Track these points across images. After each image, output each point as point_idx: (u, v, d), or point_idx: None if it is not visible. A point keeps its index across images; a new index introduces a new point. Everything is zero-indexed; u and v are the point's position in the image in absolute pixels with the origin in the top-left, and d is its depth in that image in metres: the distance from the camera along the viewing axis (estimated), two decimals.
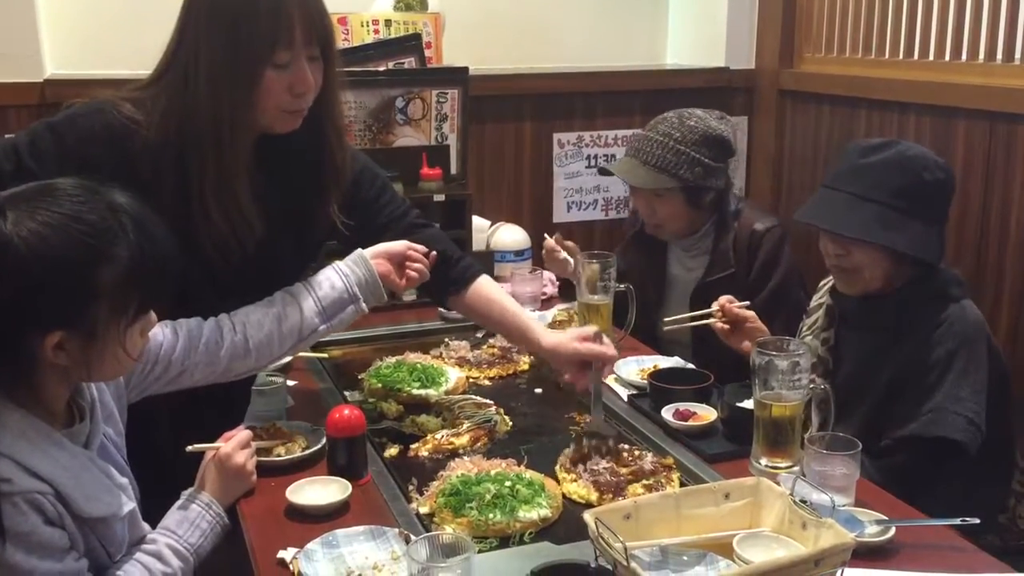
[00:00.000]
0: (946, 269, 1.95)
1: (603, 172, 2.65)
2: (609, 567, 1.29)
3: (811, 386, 1.69)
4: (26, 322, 1.28)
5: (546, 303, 2.72)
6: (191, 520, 1.54)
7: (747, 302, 2.17)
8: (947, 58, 2.70)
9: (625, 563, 1.22)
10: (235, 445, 1.65)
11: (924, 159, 1.91)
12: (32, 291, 1.26)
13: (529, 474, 1.69)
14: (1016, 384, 2.44)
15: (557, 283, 2.83)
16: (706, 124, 2.45)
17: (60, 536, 1.32)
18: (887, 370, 1.89)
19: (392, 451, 1.86)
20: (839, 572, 1.29)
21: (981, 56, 2.60)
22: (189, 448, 1.66)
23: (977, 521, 1.48)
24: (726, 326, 2.13)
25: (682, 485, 1.69)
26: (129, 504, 1.44)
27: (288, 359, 2.23)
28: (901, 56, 2.87)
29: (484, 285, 2.00)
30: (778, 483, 1.47)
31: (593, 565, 1.30)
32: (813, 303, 2.16)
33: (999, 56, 2.54)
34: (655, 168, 2.43)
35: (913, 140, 2.72)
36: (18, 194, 1.30)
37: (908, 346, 1.88)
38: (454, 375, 2.19)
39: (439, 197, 2.74)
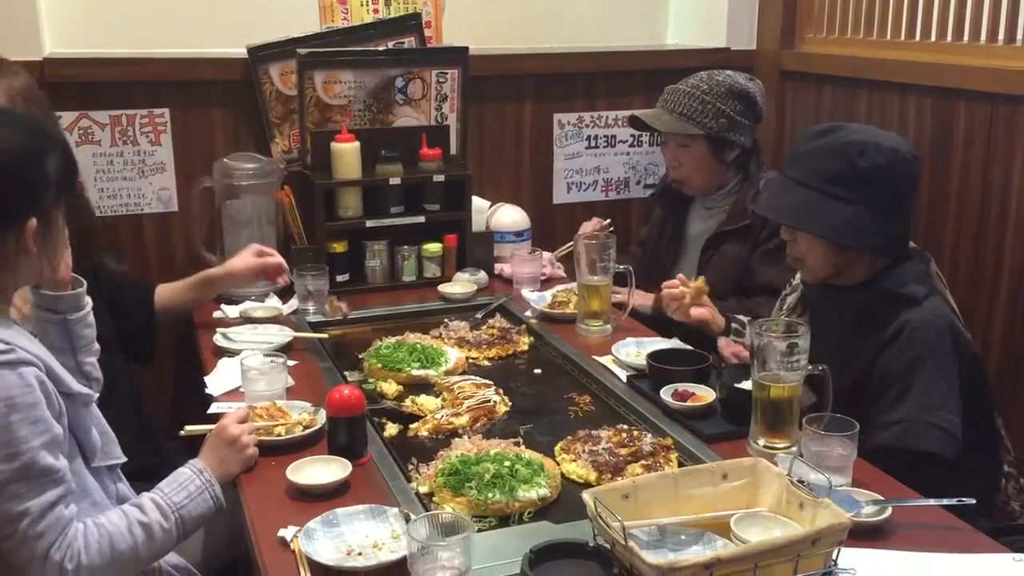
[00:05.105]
0: (910, 265, 1.90)
1: (633, 122, 2.74)
2: (607, 546, 1.30)
3: (808, 368, 1.69)
4: (10, 216, 1.42)
5: (545, 283, 2.72)
6: (179, 481, 1.57)
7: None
8: (949, 39, 2.69)
9: (623, 542, 1.23)
10: (231, 418, 1.69)
11: (863, 144, 1.85)
12: (10, 186, 1.42)
13: (528, 454, 1.70)
14: (1013, 366, 2.46)
15: (559, 265, 2.83)
16: (733, 80, 2.59)
17: (58, 428, 1.41)
18: (850, 373, 1.85)
19: (392, 431, 1.87)
20: (836, 551, 1.30)
21: (983, 37, 2.58)
22: (183, 431, 1.73)
23: (973, 501, 1.49)
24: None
25: (680, 465, 1.70)
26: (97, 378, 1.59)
27: (288, 339, 2.24)
28: (903, 37, 2.85)
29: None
30: (776, 463, 1.48)
31: (591, 544, 1.31)
32: (794, 283, 2.17)
33: (1001, 37, 2.53)
34: (680, 115, 2.57)
35: (914, 121, 2.72)
36: None
37: (870, 351, 1.85)
38: (454, 355, 2.19)
39: (439, 177, 2.73)
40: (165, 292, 2.36)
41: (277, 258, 2.41)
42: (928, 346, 1.80)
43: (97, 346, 1.72)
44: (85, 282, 1.68)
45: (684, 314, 2.24)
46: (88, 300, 1.71)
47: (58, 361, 1.54)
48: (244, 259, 2.39)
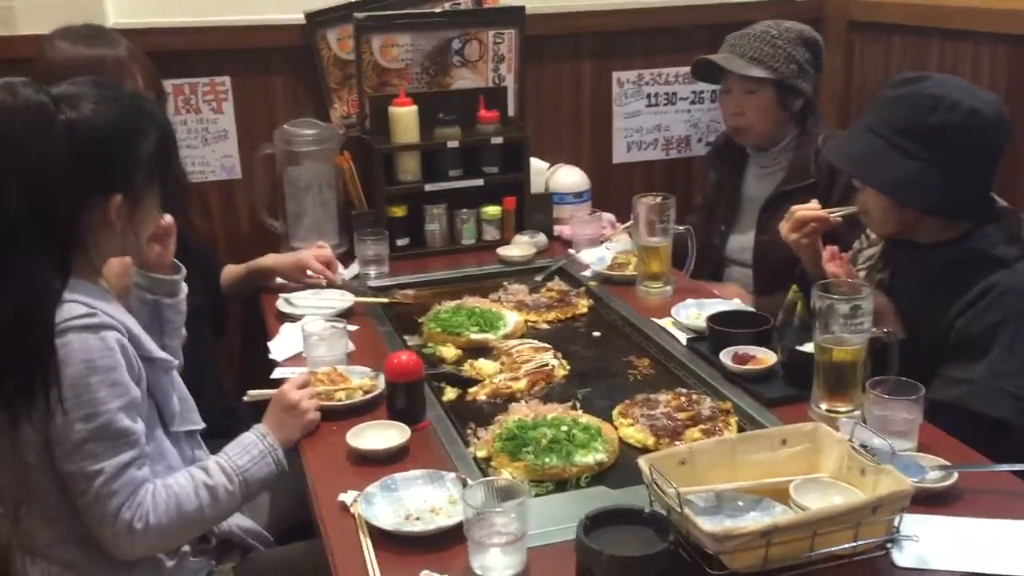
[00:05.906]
0: (1001, 225, 1.81)
1: (696, 71, 2.69)
2: (663, 513, 1.29)
3: (874, 331, 1.65)
4: (97, 187, 1.45)
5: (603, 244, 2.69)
6: (243, 445, 1.61)
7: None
8: None
9: (679, 509, 1.22)
10: (292, 384, 1.72)
11: (941, 99, 1.75)
12: (100, 158, 1.44)
13: (586, 418, 1.70)
14: None
15: (619, 226, 2.80)
16: (801, 27, 2.60)
17: (136, 392, 1.45)
18: (929, 333, 1.79)
19: (450, 395, 1.89)
20: (898, 519, 1.28)
21: None
22: (246, 396, 1.78)
23: None
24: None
25: (740, 430, 1.68)
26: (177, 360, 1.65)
27: (349, 304, 2.27)
28: None
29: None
30: (838, 428, 1.46)
31: (647, 511, 1.31)
32: (872, 236, 2.10)
33: None
34: (751, 59, 2.54)
35: (987, 72, 2.62)
36: (64, 91, 1.45)
37: (952, 311, 1.77)
38: (512, 319, 2.20)
39: (497, 139, 2.72)
40: (228, 276, 2.43)
41: (326, 276, 2.39)
42: (1013, 311, 1.73)
43: (184, 332, 1.77)
44: (184, 270, 1.72)
45: (810, 241, 2.02)
46: (184, 287, 1.75)
47: None
48: (292, 272, 2.41)
